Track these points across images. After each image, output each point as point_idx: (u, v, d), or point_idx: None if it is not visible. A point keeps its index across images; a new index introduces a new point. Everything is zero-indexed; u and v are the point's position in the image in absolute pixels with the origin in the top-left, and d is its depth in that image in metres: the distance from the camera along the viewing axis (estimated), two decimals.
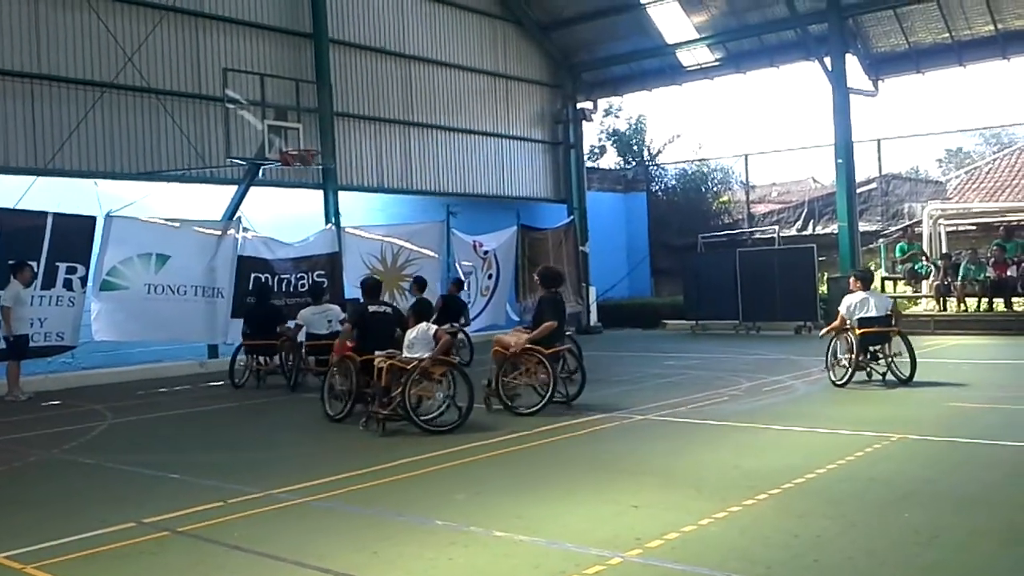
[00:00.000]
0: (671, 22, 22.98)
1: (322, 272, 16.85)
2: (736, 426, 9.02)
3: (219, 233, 16.07)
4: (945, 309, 19.53)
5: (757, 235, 25.21)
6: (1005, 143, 33.30)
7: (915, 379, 11.04)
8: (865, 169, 23.72)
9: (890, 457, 7.28)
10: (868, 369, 11.25)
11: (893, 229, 22.95)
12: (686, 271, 23.35)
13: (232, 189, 17.03)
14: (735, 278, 21.42)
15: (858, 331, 11.17)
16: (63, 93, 15.47)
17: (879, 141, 24.31)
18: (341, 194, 18.94)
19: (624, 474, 6.99)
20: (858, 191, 22.21)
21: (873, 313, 11.21)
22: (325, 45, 18.91)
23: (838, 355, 11.38)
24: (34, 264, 13.67)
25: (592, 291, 23.90)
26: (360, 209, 19.92)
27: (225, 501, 6.42)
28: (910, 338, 11.45)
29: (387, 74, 20.67)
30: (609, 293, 25.32)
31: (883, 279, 21.91)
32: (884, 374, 11.26)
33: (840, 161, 20.87)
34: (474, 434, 8.80)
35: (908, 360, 11.07)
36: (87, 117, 15.62)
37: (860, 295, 11.45)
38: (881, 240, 23.01)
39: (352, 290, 17.41)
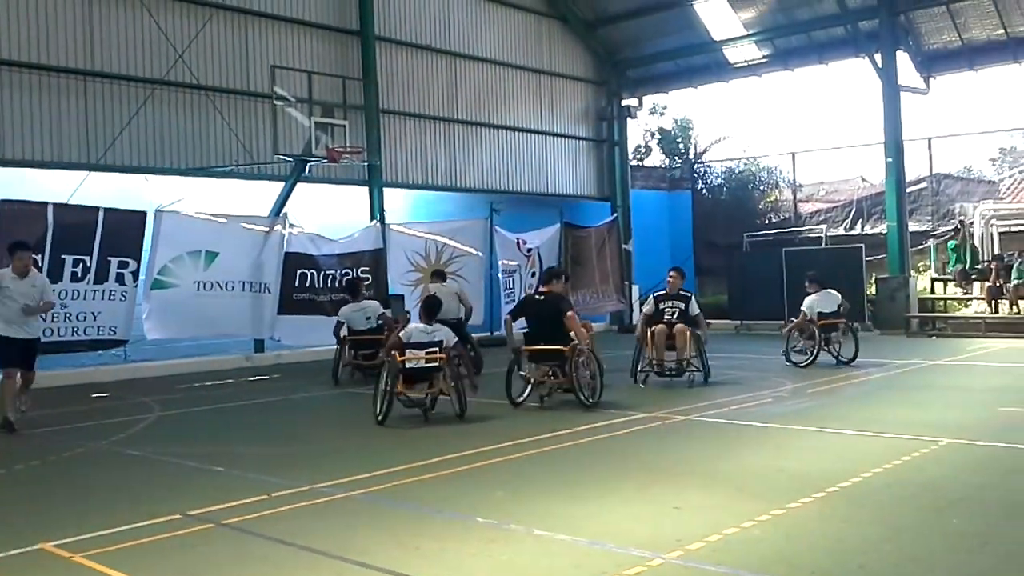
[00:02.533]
0: (718, 18, 22.77)
1: (367, 268, 16.97)
2: (781, 428, 8.91)
3: (266, 229, 16.24)
4: (997, 311, 19.13)
5: (804, 234, 24.88)
6: None
7: (961, 383, 10.95)
8: (915, 168, 23.27)
9: (939, 462, 7.14)
10: (827, 349, 13.67)
11: (944, 229, 22.50)
12: (731, 270, 23.13)
13: (279, 185, 17.23)
14: (781, 278, 21.17)
15: (819, 323, 13.58)
16: (115, 90, 15.76)
17: (930, 140, 23.79)
18: (386, 191, 19.06)
19: (666, 475, 6.94)
20: (908, 190, 21.82)
21: (827, 309, 13.75)
22: (371, 42, 19.04)
23: (798, 346, 13.78)
24: (39, 256, 12.37)
25: (635, 290, 23.76)
26: (405, 206, 20.08)
27: (269, 494, 6.48)
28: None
29: (432, 71, 20.76)
30: (653, 292, 25.17)
31: (932, 280, 21.56)
32: (836, 355, 13.77)
33: (890, 160, 20.54)
34: (515, 431, 8.81)
35: (854, 345, 13.77)
36: (138, 113, 15.90)
37: (817, 295, 13.88)
38: (931, 240, 22.60)
39: (397, 287, 17.56)
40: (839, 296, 14.07)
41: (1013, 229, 22.39)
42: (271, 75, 16.59)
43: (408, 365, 9.47)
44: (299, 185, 17.16)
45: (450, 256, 18.98)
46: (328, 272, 16.65)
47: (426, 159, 20.49)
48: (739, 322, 22.19)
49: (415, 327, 9.86)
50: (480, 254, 19.58)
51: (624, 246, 23.42)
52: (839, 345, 13.89)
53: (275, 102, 16.44)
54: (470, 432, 8.97)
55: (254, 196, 17.47)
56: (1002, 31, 20.72)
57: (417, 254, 18.52)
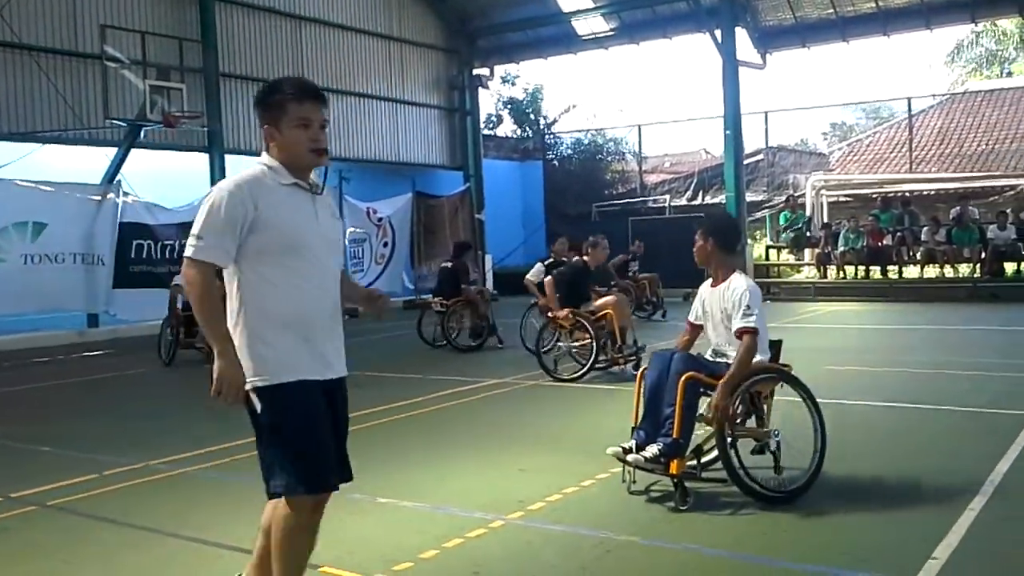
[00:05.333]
0: None
1: None
2: (630, 390, 9.16)
3: (98, 198, 15.45)
4: (825, 276, 20.31)
5: (649, 204, 25.63)
6: (884, 117, 34.69)
7: (792, 343, 11.46)
8: (753, 141, 24.35)
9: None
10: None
11: (778, 200, 23.67)
12: (581, 239, 23.55)
13: (112, 152, 16.35)
14: (627, 246, 21.73)
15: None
16: None
17: (766, 113, 24.96)
18: (228, 158, 18.33)
19: (514, 439, 7.04)
20: (745, 162, 22.78)
21: None
22: (210, 2, 18.20)
23: None
24: None
25: (488, 259, 23.91)
26: None
27: (100, 473, 6.20)
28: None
29: (276, 34, 20.08)
30: (505, 261, 25.36)
31: (767, 247, 22.65)
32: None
33: (728, 132, 21.34)
34: (361, 402, 8.73)
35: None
36: None
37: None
38: (766, 210, 23.72)
39: None
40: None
41: (841, 199, 23.79)
42: (101, 34, 15.67)
43: None
44: (134, 151, 16.36)
45: None
46: (166, 243, 16.00)
47: None
48: None
49: None
50: None
51: (477, 215, 23.52)
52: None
53: (106, 63, 15.56)
54: None
55: (85, 163, 16.52)
56: (832, 11, 21.81)
57: None
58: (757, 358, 5.22)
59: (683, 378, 5.02)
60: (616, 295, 10.95)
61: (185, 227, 14.25)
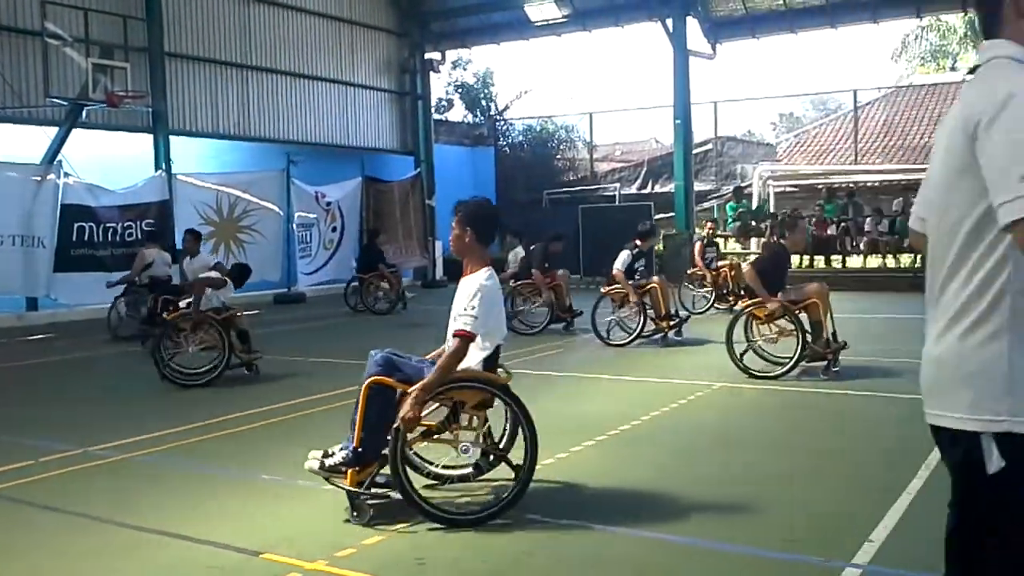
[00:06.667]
0: None
1: (151, 221, 16.10)
2: (570, 376, 9.24)
3: (38, 178, 15.07)
4: None
5: (600, 192, 25.73)
6: (831, 108, 35.20)
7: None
8: (702, 130, 24.54)
9: (711, 404, 7.64)
10: None
11: (726, 189, 23.91)
12: (531, 227, 23.58)
13: (53, 131, 15.93)
14: (578, 234, 21.85)
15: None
16: None
17: (716, 104, 25.13)
18: (173, 139, 17.99)
19: None
20: (695, 152, 22.97)
21: None
22: None
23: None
24: None
25: (439, 245, 23.83)
26: (195, 155, 19.03)
27: (37, 460, 6.07)
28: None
29: (223, 14, 19.68)
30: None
31: (715, 236, 22.87)
32: None
33: (678, 122, 21.50)
34: (310, 387, 8.66)
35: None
36: None
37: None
38: (714, 199, 23.96)
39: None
40: None
41: (787, 189, 24.12)
42: (42, 10, 15.24)
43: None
44: (76, 131, 15.95)
45: (244, 210, 18.31)
46: (109, 225, 15.68)
47: (217, 106, 19.47)
48: None
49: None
50: (278, 210, 18.98)
51: (428, 201, 23.43)
52: None
53: (47, 40, 15.14)
54: (262, 390, 8.74)
55: (24, 143, 16.05)
56: (781, 2, 22.01)
57: (208, 207, 17.73)
58: (470, 364, 4.71)
59: (367, 382, 4.64)
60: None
61: (127, 209, 13.58)
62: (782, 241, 9.54)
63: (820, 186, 22.63)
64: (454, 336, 4.62)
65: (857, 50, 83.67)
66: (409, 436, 4.60)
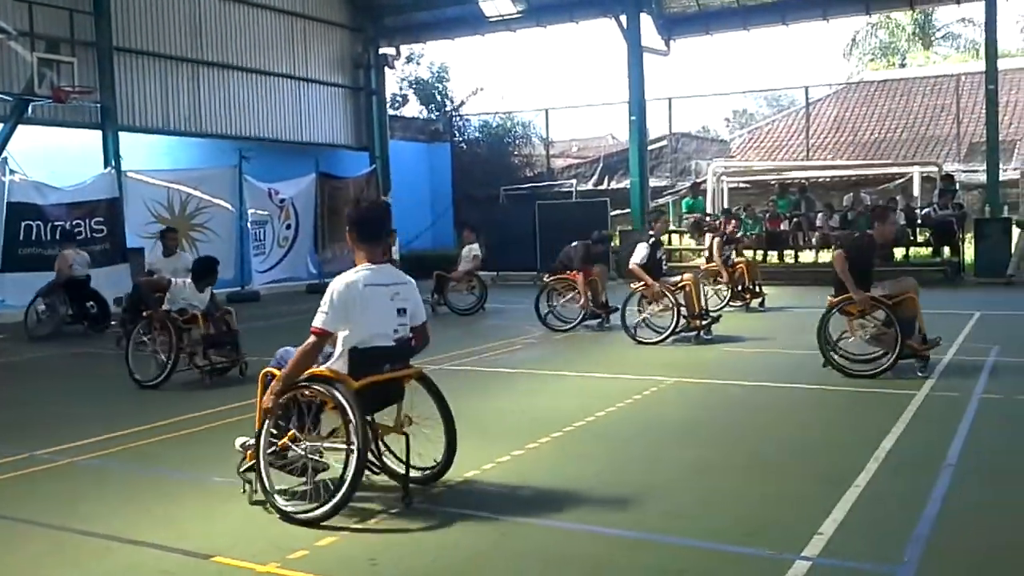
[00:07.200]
0: None
1: (101, 219, 15.82)
2: (527, 373, 9.24)
3: None
4: None
5: (556, 189, 25.79)
6: (784, 105, 35.64)
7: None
8: (657, 127, 24.71)
9: (664, 400, 7.69)
10: None
11: (681, 185, 24.08)
12: (488, 223, 23.58)
13: None
14: (534, 230, 21.87)
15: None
16: None
17: (670, 100, 25.32)
18: (123, 135, 17.66)
19: (413, 424, 6.97)
20: (650, 148, 23.11)
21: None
22: None
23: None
24: None
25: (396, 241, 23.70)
26: (144, 152, 18.69)
27: None
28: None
29: (173, 7, 19.33)
30: (413, 244, 25.20)
31: (670, 232, 23.01)
32: None
33: (633, 118, 21.61)
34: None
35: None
36: None
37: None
38: (669, 195, 24.13)
39: (134, 239, 16.45)
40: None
41: (741, 185, 24.35)
42: None
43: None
44: (21, 128, 15.59)
45: (196, 207, 18.06)
46: (57, 224, 15.36)
47: (167, 101, 19.12)
48: (495, 273, 22.70)
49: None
50: (231, 207, 18.74)
51: (383, 198, 23.27)
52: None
53: None
54: (217, 391, 8.63)
55: None
56: None
57: (159, 204, 17.47)
58: (334, 363, 4.84)
59: (263, 372, 5.05)
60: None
61: (74, 207, 13.22)
62: (870, 232, 8.90)
63: (773, 182, 22.87)
64: (311, 332, 4.76)
65: (809, 47, 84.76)
66: (267, 424, 4.80)
